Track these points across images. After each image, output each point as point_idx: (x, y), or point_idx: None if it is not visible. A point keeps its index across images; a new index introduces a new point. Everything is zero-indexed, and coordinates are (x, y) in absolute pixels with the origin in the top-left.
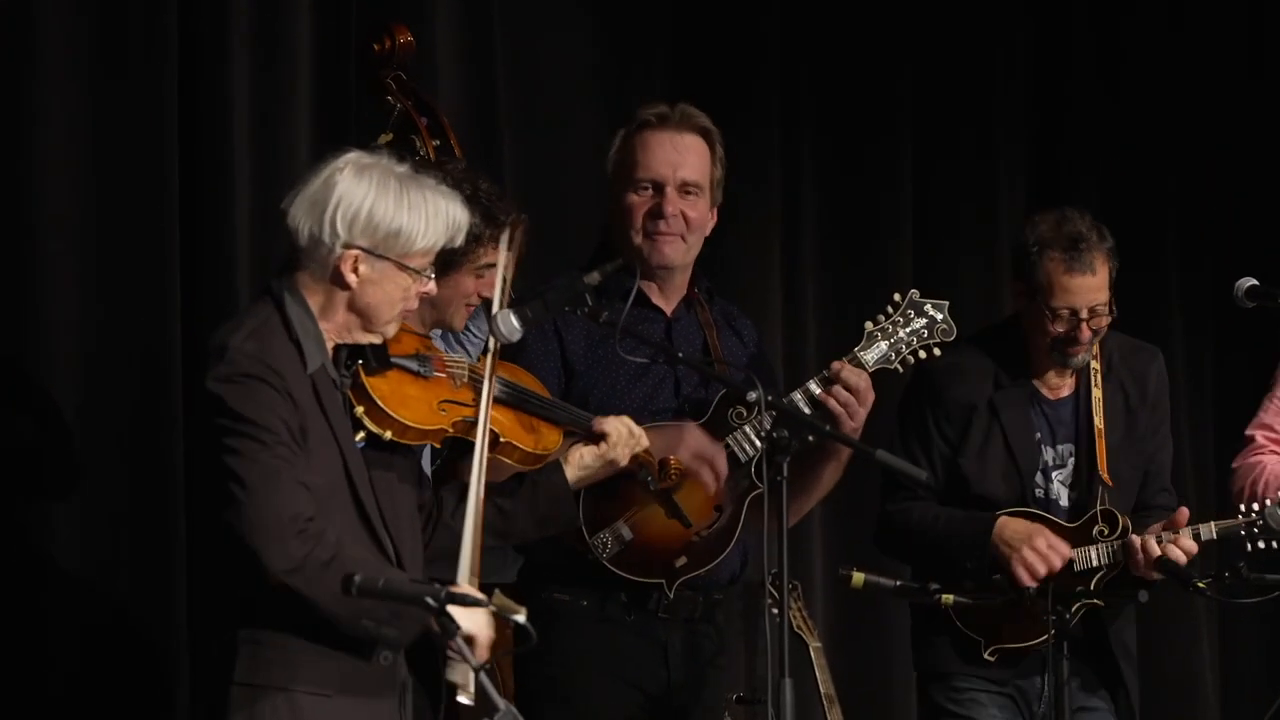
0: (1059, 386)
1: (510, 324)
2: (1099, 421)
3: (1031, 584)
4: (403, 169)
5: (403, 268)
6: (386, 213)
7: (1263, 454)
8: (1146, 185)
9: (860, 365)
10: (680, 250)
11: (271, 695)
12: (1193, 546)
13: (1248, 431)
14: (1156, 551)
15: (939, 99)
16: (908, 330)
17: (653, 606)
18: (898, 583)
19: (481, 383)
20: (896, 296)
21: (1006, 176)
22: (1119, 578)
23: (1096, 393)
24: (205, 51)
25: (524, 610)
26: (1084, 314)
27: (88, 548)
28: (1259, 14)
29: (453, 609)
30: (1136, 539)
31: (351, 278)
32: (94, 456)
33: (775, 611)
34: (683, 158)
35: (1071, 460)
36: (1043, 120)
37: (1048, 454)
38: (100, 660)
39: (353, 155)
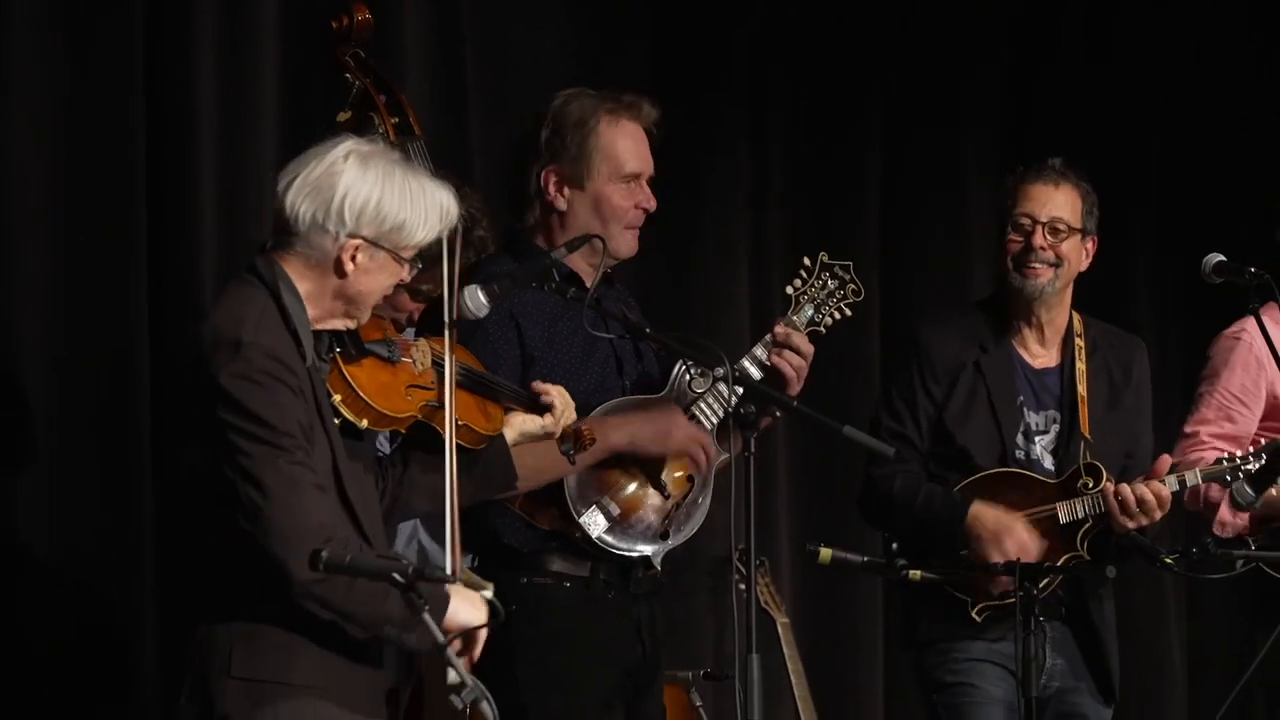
0: (1041, 355)
1: (478, 300)
2: (1082, 389)
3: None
4: (398, 158)
5: (398, 259)
6: (393, 206)
7: (1204, 450)
8: (1114, 166)
9: (796, 329)
10: None
11: (270, 691)
12: (1164, 490)
13: (1188, 428)
14: (1130, 496)
15: (909, 80)
16: (824, 292)
17: (631, 583)
18: (865, 558)
19: (440, 363)
20: (807, 260)
21: (976, 159)
22: (1098, 539)
23: (1081, 365)
24: (169, 35)
25: (491, 586)
26: (1042, 219)
27: (55, 535)
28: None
29: (454, 602)
30: (1111, 486)
31: (350, 266)
32: (61, 443)
33: (743, 587)
34: (648, 150)
35: (1055, 427)
36: (1012, 101)
37: (1031, 418)
38: (68, 647)
39: (350, 143)
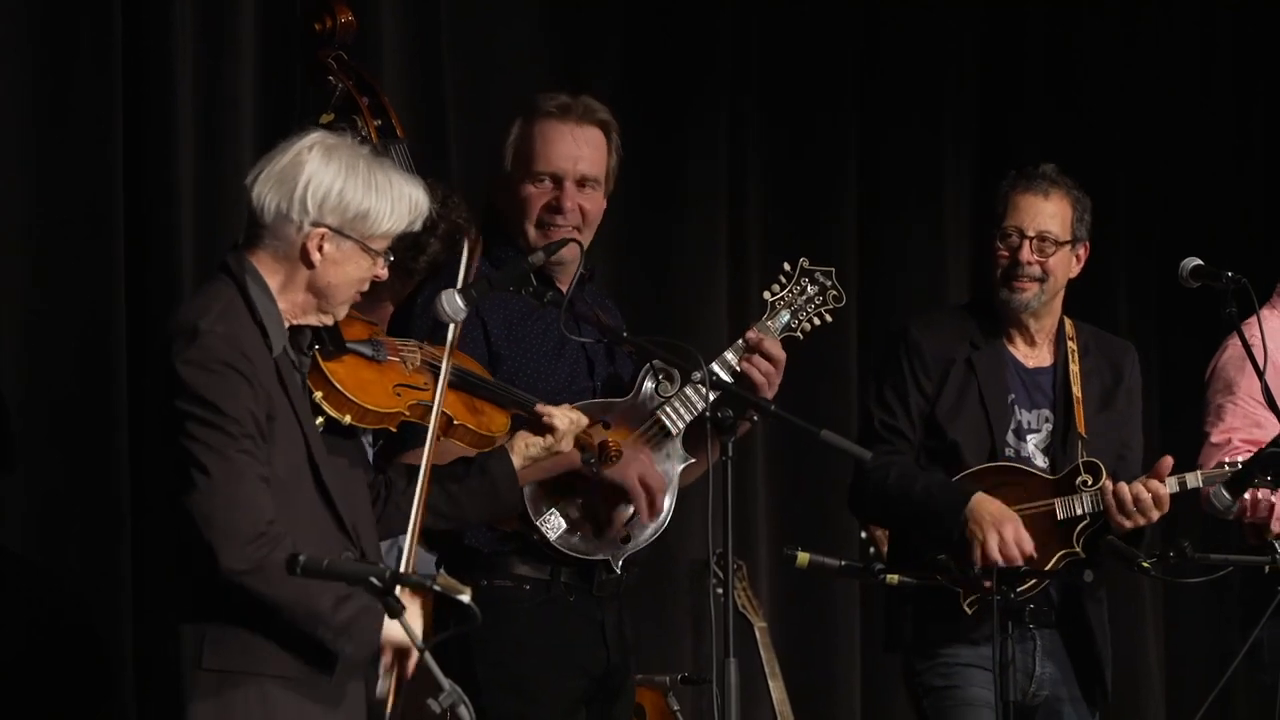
0: (1032, 356)
1: (455, 304)
2: (1077, 390)
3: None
4: (366, 150)
5: (365, 249)
6: (355, 194)
7: (1239, 455)
8: (1093, 166)
9: (769, 334)
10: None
11: (241, 681)
12: (1161, 490)
13: (1216, 438)
14: (1128, 496)
15: (886, 78)
16: (803, 298)
17: (594, 586)
18: (842, 562)
19: (434, 365)
20: (787, 266)
21: (954, 159)
22: (1094, 537)
23: (1074, 367)
24: (150, 33)
25: (469, 590)
26: (1030, 232)
27: (30, 528)
28: (1210, 11)
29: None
30: (1110, 484)
31: (316, 256)
32: (39, 444)
33: (720, 592)
34: (582, 151)
35: (1048, 426)
36: (990, 100)
37: (1022, 416)
38: (44, 642)
39: (318, 135)
